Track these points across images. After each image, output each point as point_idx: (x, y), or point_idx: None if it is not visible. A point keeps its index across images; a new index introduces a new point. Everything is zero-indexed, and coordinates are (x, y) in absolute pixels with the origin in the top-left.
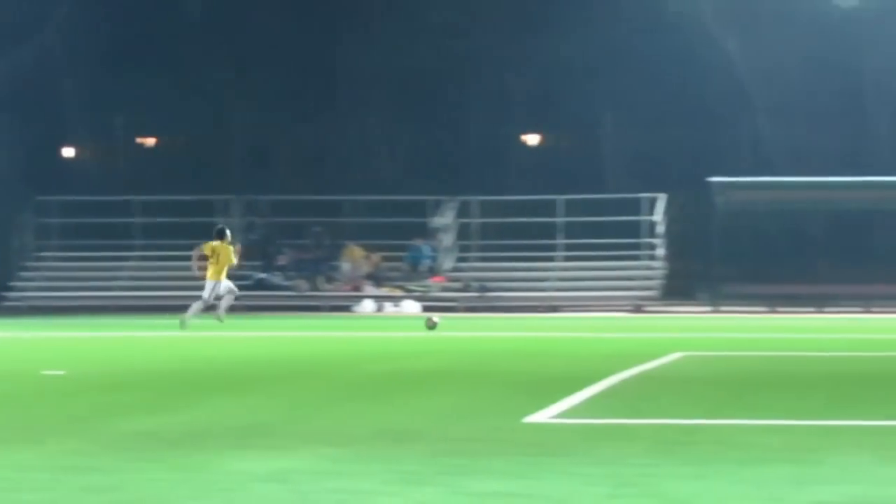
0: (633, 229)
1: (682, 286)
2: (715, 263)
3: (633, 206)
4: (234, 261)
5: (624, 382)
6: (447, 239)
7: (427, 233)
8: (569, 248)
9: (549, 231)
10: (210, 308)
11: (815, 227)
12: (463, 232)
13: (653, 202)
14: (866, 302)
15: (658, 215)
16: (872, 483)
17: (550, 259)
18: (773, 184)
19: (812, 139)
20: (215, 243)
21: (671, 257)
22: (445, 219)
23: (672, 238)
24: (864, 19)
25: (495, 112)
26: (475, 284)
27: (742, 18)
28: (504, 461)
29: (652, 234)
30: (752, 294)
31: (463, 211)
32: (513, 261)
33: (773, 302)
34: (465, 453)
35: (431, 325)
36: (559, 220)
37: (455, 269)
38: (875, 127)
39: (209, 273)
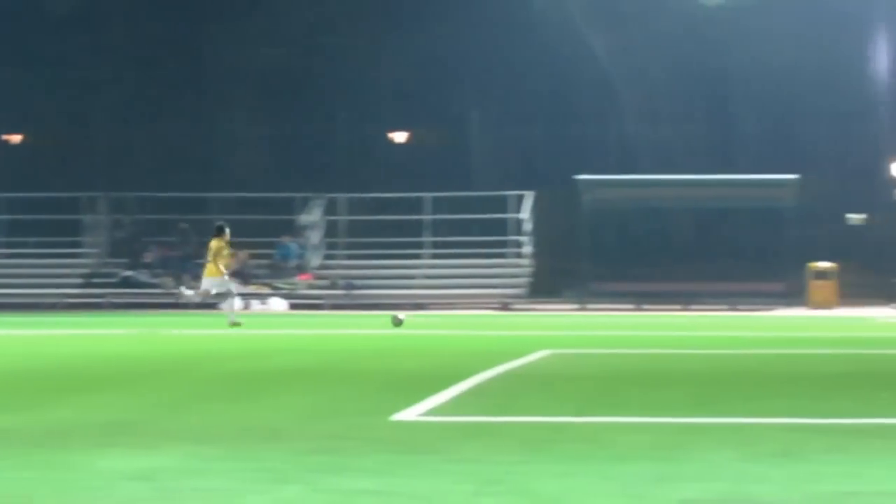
0: (500, 227)
1: (548, 284)
2: (581, 261)
3: (500, 204)
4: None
5: (491, 380)
6: (314, 236)
7: (294, 230)
8: (436, 245)
9: (416, 229)
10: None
11: (682, 225)
12: (330, 229)
13: (520, 200)
14: (731, 299)
15: (525, 213)
16: (737, 480)
17: (417, 257)
18: (639, 182)
19: (678, 137)
20: (216, 240)
21: (538, 255)
22: (312, 216)
23: (539, 236)
24: (729, 19)
25: (362, 109)
26: (342, 282)
27: (608, 17)
28: (371, 459)
29: (519, 232)
30: (618, 292)
31: (330, 208)
32: (380, 258)
33: (640, 299)
34: (331, 451)
35: (397, 323)
36: (426, 217)
37: (322, 267)
38: (740, 125)
39: (212, 270)
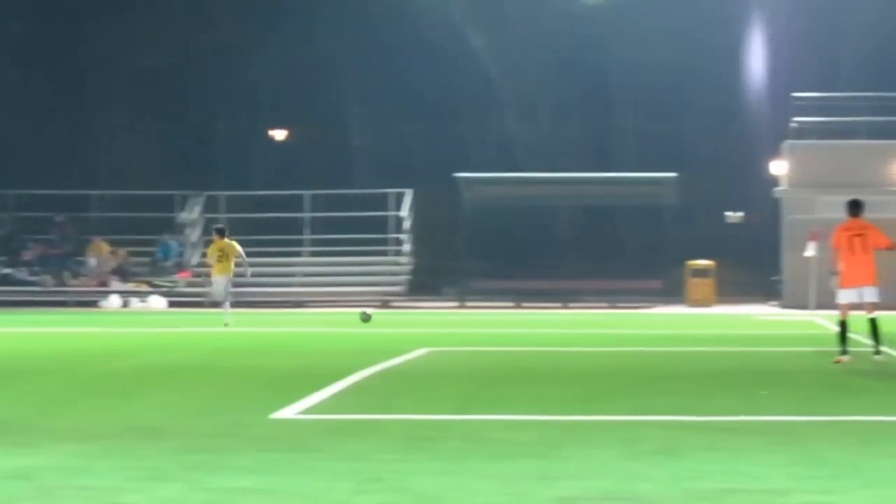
0: (380, 225)
1: (428, 281)
2: (461, 259)
3: (380, 202)
4: (242, 253)
5: (370, 378)
6: (194, 234)
7: (174, 228)
8: (315, 243)
9: (295, 227)
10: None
11: (561, 223)
12: (210, 227)
13: (399, 197)
14: (611, 297)
15: (405, 211)
16: (618, 478)
17: (297, 254)
18: (519, 179)
19: (558, 135)
20: (219, 242)
21: (418, 253)
22: (192, 214)
23: (419, 233)
24: (608, 17)
25: (242, 107)
26: None
27: (489, 15)
28: (250, 457)
29: (399, 230)
30: (498, 289)
31: (209, 206)
32: (260, 256)
33: (519, 297)
34: (211, 449)
35: (366, 318)
36: (306, 215)
37: (202, 265)
38: (620, 123)
39: (218, 270)
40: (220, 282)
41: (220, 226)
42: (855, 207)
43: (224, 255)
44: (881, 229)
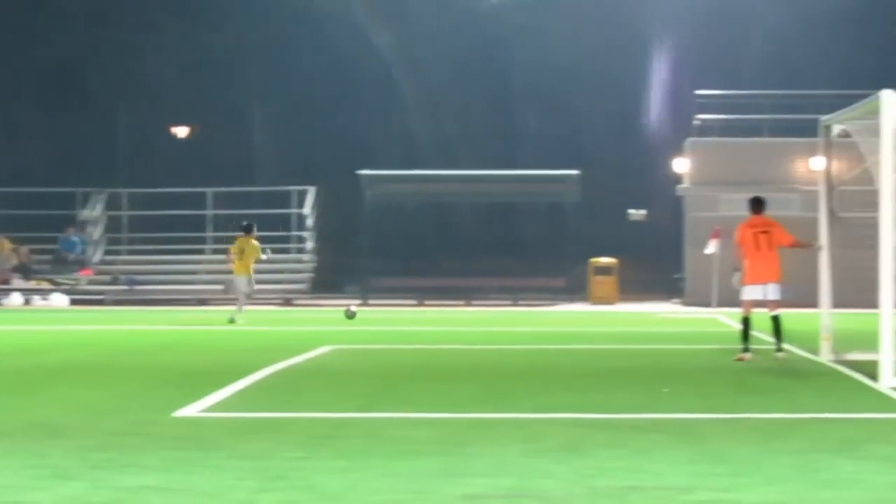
0: (283, 222)
1: (331, 279)
2: (364, 256)
3: (283, 199)
4: (262, 255)
5: (274, 376)
6: (96, 232)
7: (76, 225)
8: (218, 241)
9: (198, 224)
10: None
11: (465, 221)
12: (112, 224)
13: (302, 195)
14: (514, 295)
15: (307, 208)
16: (522, 475)
17: (200, 252)
18: (421, 177)
19: (461, 132)
20: (242, 239)
21: (321, 250)
22: (94, 211)
23: (321, 231)
24: (511, 16)
25: (144, 103)
26: (124, 277)
27: (392, 12)
28: (153, 455)
29: (301, 228)
30: (401, 287)
31: (112, 203)
32: (162, 254)
33: (422, 295)
34: (114, 448)
35: (350, 315)
36: (208, 212)
37: (104, 262)
38: (523, 120)
39: (237, 268)
40: (240, 281)
41: (245, 223)
42: (757, 204)
43: (244, 254)
44: (784, 227)
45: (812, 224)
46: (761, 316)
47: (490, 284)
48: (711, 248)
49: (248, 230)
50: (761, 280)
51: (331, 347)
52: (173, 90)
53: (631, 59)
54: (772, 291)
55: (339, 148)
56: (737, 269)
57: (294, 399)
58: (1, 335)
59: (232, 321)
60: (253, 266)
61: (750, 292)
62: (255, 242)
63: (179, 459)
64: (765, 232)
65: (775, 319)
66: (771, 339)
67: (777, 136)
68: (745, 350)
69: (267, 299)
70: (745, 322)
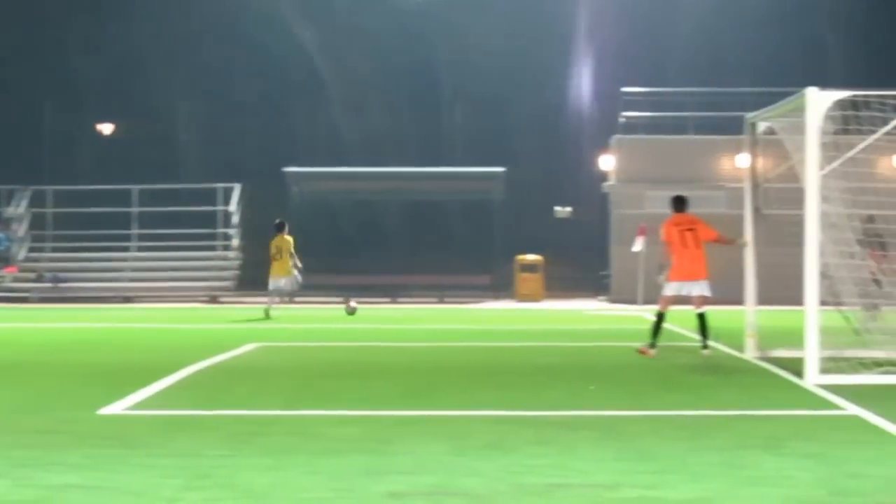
0: (209, 219)
1: (257, 276)
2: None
3: (209, 196)
4: (292, 252)
5: (199, 373)
6: (21, 229)
7: (1, 222)
8: (144, 238)
9: (124, 221)
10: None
11: (391, 218)
12: (36, 222)
13: (228, 192)
14: (440, 292)
15: (233, 205)
16: (447, 473)
17: (126, 249)
18: (348, 174)
19: (387, 130)
20: (276, 238)
21: (246, 247)
22: (18, 209)
23: (247, 228)
24: (437, 12)
25: (69, 100)
26: (49, 275)
27: (316, 10)
28: (78, 453)
29: (227, 225)
30: (327, 284)
31: (36, 200)
32: (88, 251)
33: (348, 292)
34: (38, 446)
35: (351, 311)
36: (134, 210)
37: (28, 260)
38: (449, 118)
39: (277, 269)
40: (278, 282)
41: (277, 221)
42: (680, 203)
43: (280, 253)
44: (708, 224)
45: (738, 221)
46: (688, 313)
47: (416, 282)
48: (639, 245)
49: (280, 228)
50: (687, 277)
51: (256, 345)
52: (99, 87)
53: (557, 57)
54: (698, 288)
55: (265, 145)
56: (664, 267)
57: (219, 397)
58: None
59: (268, 316)
60: (292, 263)
61: (672, 289)
62: (289, 238)
63: (104, 457)
64: (691, 229)
65: (701, 317)
66: (697, 337)
67: (703, 134)
68: (652, 346)
69: (192, 297)
70: (660, 318)
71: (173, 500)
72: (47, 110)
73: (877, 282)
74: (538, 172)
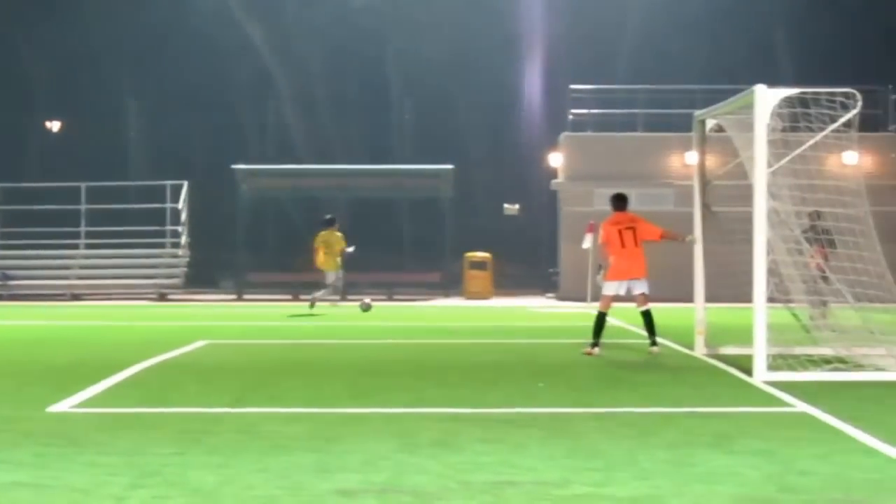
0: (158, 217)
1: (206, 274)
2: (238, 251)
3: (157, 194)
4: (347, 248)
5: (147, 371)
6: None
7: None
8: (92, 235)
9: (72, 218)
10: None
11: (340, 215)
12: None
13: (176, 189)
14: (389, 289)
15: (181, 203)
16: (395, 471)
17: (74, 247)
18: (296, 171)
19: (336, 127)
20: (324, 233)
21: (195, 245)
22: None
23: (196, 225)
24: (386, 8)
25: (16, 97)
26: None
27: (265, 5)
28: (25, 451)
29: (176, 222)
30: (275, 282)
31: None
32: (35, 248)
33: (297, 289)
34: None
35: (365, 308)
36: (82, 207)
37: None
38: (398, 115)
39: (324, 262)
40: (328, 275)
41: (328, 216)
42: (620, 201)
43: (329, 248)
44: (656, 221)
45: (686, 218)
46: (634, 311)
47: (365, 279)
48: (587, 242)
49: (330, 223)
50: (626, 276)
51: (205, 342)
52: (46, 84)
53: (506, 53)
54: (639, 287)
55: (213, 142)
56: (602, 267)
57: (167, 394)
58: None
59: (311, 307)
60: (339, 259)
61: (611, 288)
62: (339, 234)
63: (52, 455)
64: (630, 228)
65: (646, 315)
66: (645, 334)
67: (651, 131)
68: (595, 345)
69: (140, 294)
70: (601, 317)
71: (121, 499)
72: None
73: (825, 278)
74: (487, 170)
